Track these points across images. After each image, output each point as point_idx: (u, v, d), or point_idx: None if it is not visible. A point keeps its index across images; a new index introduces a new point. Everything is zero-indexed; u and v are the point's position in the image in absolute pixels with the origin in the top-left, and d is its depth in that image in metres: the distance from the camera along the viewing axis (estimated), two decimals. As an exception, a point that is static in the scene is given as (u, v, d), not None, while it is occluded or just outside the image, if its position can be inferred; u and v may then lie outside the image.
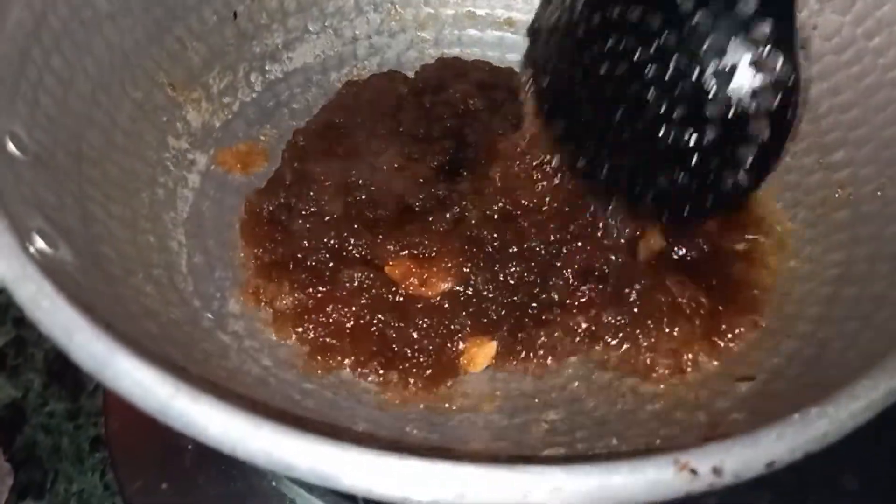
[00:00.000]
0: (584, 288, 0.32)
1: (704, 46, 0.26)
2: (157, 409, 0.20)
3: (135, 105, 0.35)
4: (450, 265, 0.33)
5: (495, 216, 0.34)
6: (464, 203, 0.34)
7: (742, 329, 0.30)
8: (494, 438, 0.28)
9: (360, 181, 0.35)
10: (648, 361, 0.30)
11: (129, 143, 0.34)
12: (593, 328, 0.31)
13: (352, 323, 0.32)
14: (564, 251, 0.33)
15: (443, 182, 0.35)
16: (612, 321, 0.31)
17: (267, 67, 0.41)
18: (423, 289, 0.33)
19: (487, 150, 0.36)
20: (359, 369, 0.32)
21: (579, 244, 0.33)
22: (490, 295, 0.32)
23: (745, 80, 0.26)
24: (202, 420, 0.20)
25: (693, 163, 0.27)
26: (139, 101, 0.35)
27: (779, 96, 0.26)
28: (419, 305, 0.33)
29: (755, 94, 0.26)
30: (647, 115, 0.28)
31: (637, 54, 0.28)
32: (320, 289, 0.33)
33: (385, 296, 0.33)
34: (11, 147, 0.27)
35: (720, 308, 0.31)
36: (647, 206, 0.30)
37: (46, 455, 0.42)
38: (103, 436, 0.39)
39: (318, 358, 0.32)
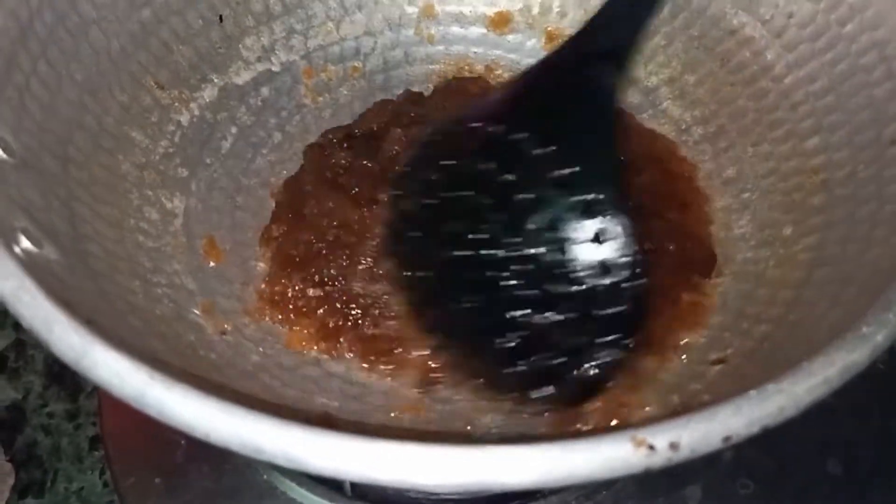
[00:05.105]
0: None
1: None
2: (133, 397, 0.21)
3: (122, 108, 0.35)
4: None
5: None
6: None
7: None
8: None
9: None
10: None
11: (116, 145, 0.35)
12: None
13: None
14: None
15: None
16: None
17: (254, 69, 0.41)
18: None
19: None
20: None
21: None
22: None
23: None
24: (176, 407, 0.20)
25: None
26: (126, 104, 0.36)
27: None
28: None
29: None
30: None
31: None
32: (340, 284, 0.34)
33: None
34: (-2, 150, 0.28)
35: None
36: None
37: (46, 455, 0.43)
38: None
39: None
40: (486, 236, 0.30)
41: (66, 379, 0.45)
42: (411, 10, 0.44)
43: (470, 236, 0.30)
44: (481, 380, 0.30)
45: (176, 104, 0.38)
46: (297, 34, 0.43)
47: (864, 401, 0.36)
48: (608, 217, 0.29)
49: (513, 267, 0.29)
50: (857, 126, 0.31)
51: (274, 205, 0.37)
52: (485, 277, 0.30)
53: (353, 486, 0.34)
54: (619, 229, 0.29)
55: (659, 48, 0.40)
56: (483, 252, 0.30)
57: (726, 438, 0.19)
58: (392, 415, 0.30)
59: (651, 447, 0.19)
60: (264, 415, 0.20)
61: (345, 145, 0.38)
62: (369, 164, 0.37)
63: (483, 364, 0.30)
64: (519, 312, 0.29)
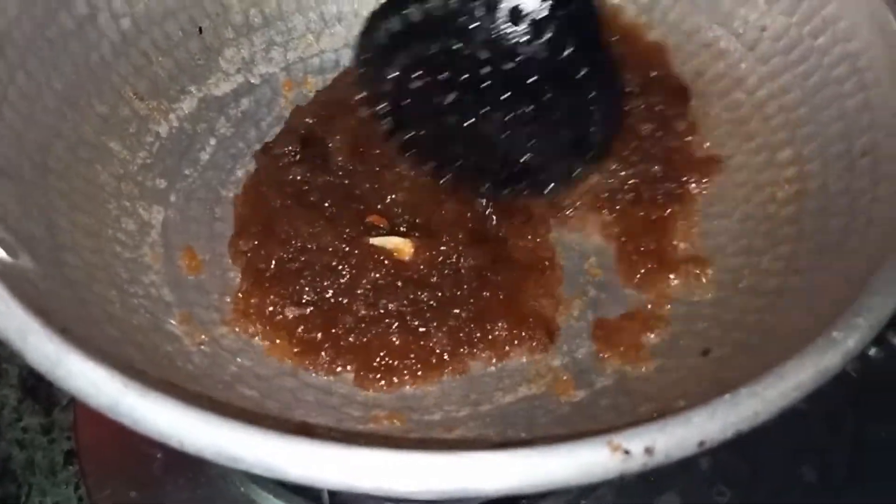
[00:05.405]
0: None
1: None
2: (108, 406, 0.21)
3: (101, 119, 0.35)
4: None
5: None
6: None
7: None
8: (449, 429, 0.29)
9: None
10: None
11: (95, 156, 0.35)
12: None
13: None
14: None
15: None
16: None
17: (234, 81, 0.41)
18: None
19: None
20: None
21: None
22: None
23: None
24: (150, 415, 0.20)
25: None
26: (105, 114, 0.36)
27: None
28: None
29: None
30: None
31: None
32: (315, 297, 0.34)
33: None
34: (-26, 160, 0.28)
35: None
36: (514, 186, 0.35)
37: (20, 469, 0.42)
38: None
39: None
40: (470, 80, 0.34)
41: (40, 393, 0.44)
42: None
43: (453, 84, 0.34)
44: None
45: (155, 115, 0.38)
46: (277, 46, 0.43)
47: (837, 408, 0.36)
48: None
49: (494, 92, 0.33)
50: (829, 138, 0.32)
51: (235, 215, 0.37)
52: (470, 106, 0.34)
53: (332, 496, 0.34)
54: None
55: (636, 61, 0.40)
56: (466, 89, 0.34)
57: (701, 443, 0.20)
58: (371, 425, 0.30)
59: (626, 452, 0.19)
60: (241, 423, 0.20)
61: (297, 157, 0.38)
62: (330, 179, 0.37)
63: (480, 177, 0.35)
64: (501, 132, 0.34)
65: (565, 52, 0.32)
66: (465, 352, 0.33)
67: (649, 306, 0.32)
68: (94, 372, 0.21)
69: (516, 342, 0.33)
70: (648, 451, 0.19)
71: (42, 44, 0.33)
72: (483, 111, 0.34)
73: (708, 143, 0.37)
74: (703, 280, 0.33)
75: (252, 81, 0.42)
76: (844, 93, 0.32)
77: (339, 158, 0.37)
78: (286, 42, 0.43)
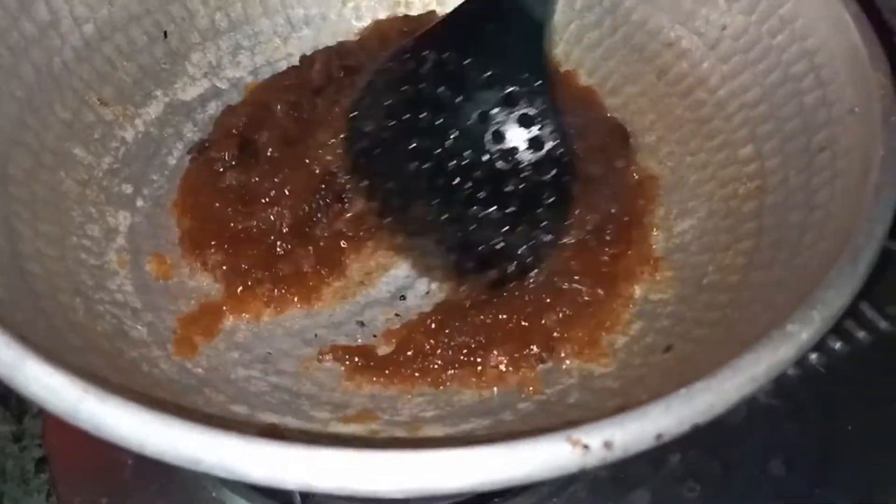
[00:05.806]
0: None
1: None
2: (67, 412, 0.21)
3: (64, 125, 0.35)
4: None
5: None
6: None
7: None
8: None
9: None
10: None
11: (58, 162, 0.34)
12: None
13: None
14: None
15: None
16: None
17: (200, 85, 0.41)
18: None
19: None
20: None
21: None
22: None
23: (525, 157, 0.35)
24: (110, 420, 0.20)
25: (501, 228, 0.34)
26: (68, 121, 0.35)
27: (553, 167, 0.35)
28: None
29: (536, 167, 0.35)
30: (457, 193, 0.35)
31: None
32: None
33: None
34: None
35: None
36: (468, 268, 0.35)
37: (-9, 478, 0.42)
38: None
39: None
40: (435, 149, 0.36)
41: (10, 400, 0.44)
42: (359, 24, 0.44)
43: (421, 147, 0.36)
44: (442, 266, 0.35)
45: (120, 120, 0.38)
46: (244, 50, 0.43)
47: (804, 402, 0.37)
48: (538, 121, 0.35)
49: (458, 171, 0.35)
50: (789, 134, 0.32)
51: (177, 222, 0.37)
52: (436, 184, 0.35)
53: (304, 499, 0.34)
54: (548, 131, 0.35)
55: (600, 61, 0.41)
56: (433, 162, 0.36)
57: (658, 436, 0.20)
58: (340, 425, 0.30)
59: (586, 447, 0.19)
60: (200, 425, 0.20)
61: (232, 162, 0.37)
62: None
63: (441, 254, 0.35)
64: (466, 209, 0.35)
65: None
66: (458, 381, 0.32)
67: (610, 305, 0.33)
68: (52, 377, 0.21)
69: (512, 367, 0.32)
70: (607, 445, 0.20)
71: (3, 51, 0.33)
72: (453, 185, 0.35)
73: (669, 149, 0.37)
74: (661, 279, 0.33)
75: (219, 86, 0.42)
76: (802, 89, 0.32)
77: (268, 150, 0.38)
78: (253, 46, 0.43)
